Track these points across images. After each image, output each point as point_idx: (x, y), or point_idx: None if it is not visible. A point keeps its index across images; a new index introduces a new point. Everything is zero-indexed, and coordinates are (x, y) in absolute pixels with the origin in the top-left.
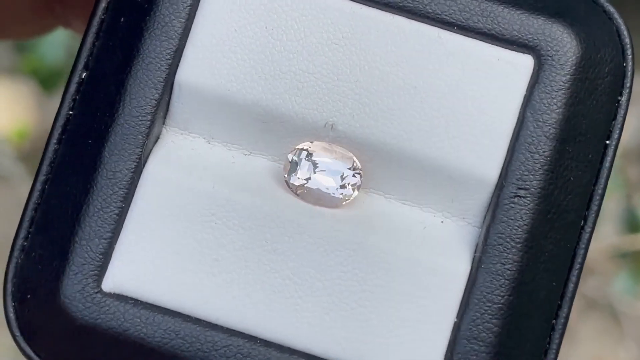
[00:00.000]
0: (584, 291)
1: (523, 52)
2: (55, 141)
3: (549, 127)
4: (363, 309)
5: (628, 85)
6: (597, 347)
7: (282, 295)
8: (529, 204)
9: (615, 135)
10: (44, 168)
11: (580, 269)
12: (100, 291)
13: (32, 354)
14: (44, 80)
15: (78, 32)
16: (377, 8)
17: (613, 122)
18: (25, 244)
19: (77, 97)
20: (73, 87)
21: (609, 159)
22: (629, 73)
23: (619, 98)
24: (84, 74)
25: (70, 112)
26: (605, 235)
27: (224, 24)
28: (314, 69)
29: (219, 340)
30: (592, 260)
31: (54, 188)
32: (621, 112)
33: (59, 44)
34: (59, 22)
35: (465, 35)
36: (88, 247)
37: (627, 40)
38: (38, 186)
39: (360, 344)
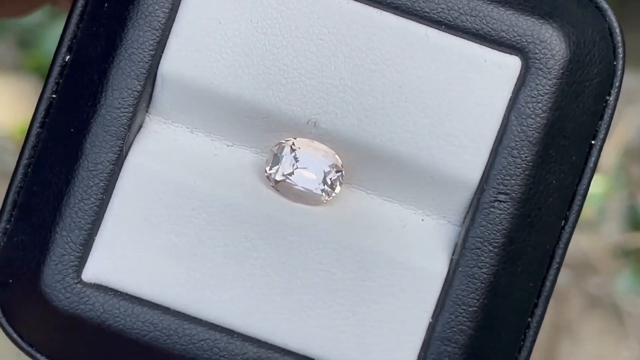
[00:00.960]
0: (586, 290)
1: (511, 54)
2: (38, 124)
3: (533, 131)
4: (340, 307)
5: (617, 85)
6: (599, 346)
7: (260, 292)
8: (508, 209)
9: (601, 136)
10: (27, 151)
11: (558, 269)
12: (80, 281)
13: (15, 335)
14: None
15: (64, 8)
16: (365, 3)
17: (600, 122)
18: (8, 227)
19: (60, 80)
20: (56, 70)
21: (593, 159)
22: (619, 72)
23: (607, 98)
24: (67, 57)
25: (53, 96)
26: (608, 234)
27: (208, 15)
28: (299, 65)
29: (197, 334)
30: (595, 259)
31: (37, 174)
32: (608, 111)
33: None
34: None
35: (453, 34)
36: (68, 238)
37: (618, 38)
38: (21, 169)
39: (335, 341)
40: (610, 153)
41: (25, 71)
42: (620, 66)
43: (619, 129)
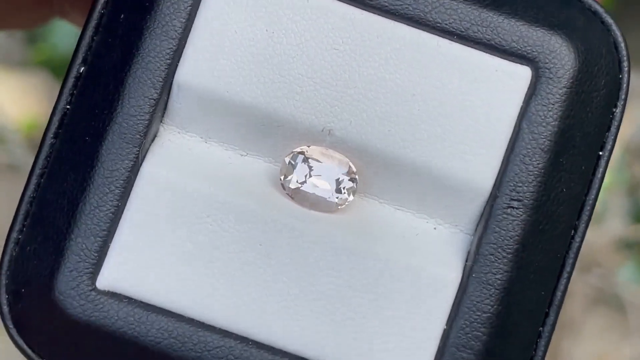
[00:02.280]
0: (589, 287)
1: (521, 64)
2: (52, 135)
3: (544, 139)
4: (354, 314)
5: (623, 97)
6: (601, 344)
7: (274, 299)
8: (521, 215)
9: (609, 147)
10: (40, 161)
11: (569, 278)
12: (95, 289)
13: (25, 347)
14: (56, 69)
15: (74, 22)
16: (378, 14)
17: (607, 134)
18: (20, 237)
19: (75, 91)
20: (71, 82)
21: (601, 170)
22: (624, 85)
23: (614, 110)
24: (82, 68)
25: (68, 107)
26: (611, 229)
27: (224, 25)
28: (313, 74)
29: (212, 341)
30: (598, 253)
31: (50, 183)
32: (615, 123)
33: (70, 33)
34: (56, 13)
35: (464, 45)
36: (83, 245)
37: (624, 52)
38: (34, 180)
39: (349, 348)
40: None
41: (33, 66)
42: (625, 79)
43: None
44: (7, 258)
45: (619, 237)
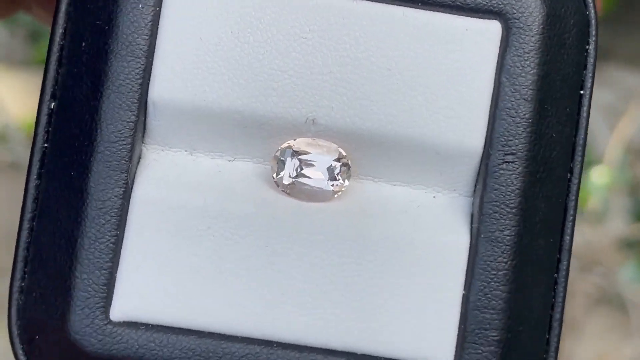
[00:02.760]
0: (590, 286)
1: (490, 19)
2: (35, 177)
3: (526, 88)
4: (372, 296)
5: (594, 33)
6: (603, 344)
7: (290, 296)
8: (517, 168)
9: (588, 84)
10: (29, 205)
11: (574, 221)
12: (110, 322)
13: None
14: None
15: (38, 18)
16: None
17: (584, 72)
18: (23, 284)
19: (50, 128)
20: (44, 119)
21: (585, 108)
22: (593, 21)
23: (587, 47)
24: (53, 103)
25: (46, 145)
26: (613, 229)
27: (188, 34)
28: (286, 67)
29: (236, 351)
30: (600, 253)
31: (43, 225)
32: (590, 60)
33: None
34: (19, 7)
35: (430, 10)
36: (90, 280)
37: None
38: (26, 224)
39: (374, 331)
40: (614, 147)
41: (35, 64)
42: (592, 15)
43: (622, 124)
44: (14, 309)
45: (620, 236)
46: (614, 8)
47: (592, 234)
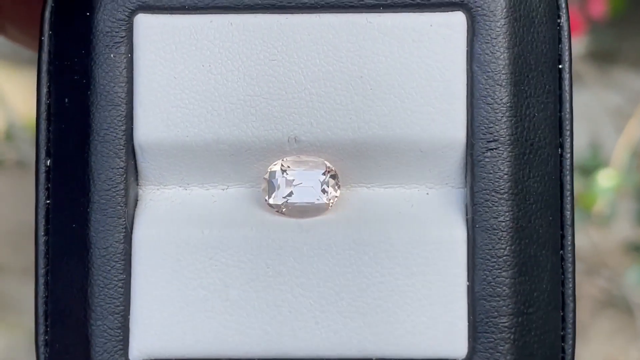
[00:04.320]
0: (596, 289)
1: (453, 10)
2: (42, 233)
3: (499, 74)
4: (379, 300)
5: (564, 6)
6: (609, 347)
7: (300, 313)
8: (502, 153)
9: (566, 58)
10: (41, 261)
11: (572, 195)
12: None
13: None
14: None
15: (12, 39)
16: (302, 12)
17: (560, 46)
18: (47, 337)
19: (49, 185)
20: (42, 177)
21: (566, 82)
22: None
23: (559, 21)
24: (49, 161)
25: (48, 202)
26: (619, 232)
27: (162, 75)
28: (261, 91)
29: None
30: (606, 255)
31: (56, 278)
32: (564, 33)
33: None
34: None
35: (393, 12)
36: (105, 326)
37: None
38: (41, 280)
39: (386, 334)
40: (621, 150)
41: None
42: None
43: (629, 127)
44: None
45: (627, 239)
46: (622, 11)
47: (598, 237)
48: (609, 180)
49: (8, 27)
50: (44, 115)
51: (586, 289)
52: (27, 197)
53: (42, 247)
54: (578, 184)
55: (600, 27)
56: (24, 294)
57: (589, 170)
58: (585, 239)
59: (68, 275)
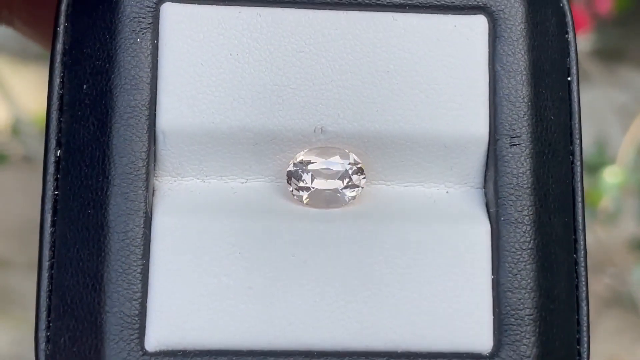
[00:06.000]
0: (602, 288)
1: (475, 14)
2: (49, 225)
3: (520, 74)
4: (404, 293)
5: (570, 23)
6: (614, 345)
7: (324, 303)
8: (525, 150)
9: (574, 71)
10: (46, 253)
11: (583, 203)
12: (146, 353)
13: None
14: None
15: (21, 32)
16: (330, 9)
17: (568, 59)
18: (49, 333)
19: (58, 175)
20: (52, 167)
21: (575, 94)
22: (568, 12)
23: (567, 36)
24: (59, 151)
25: (57, 193)
26: (625, 229)
27: (188, 61)
28: (288, 81)
29: None
30: (612, 253)
31: (64, 269)
32: (572, 48)
33: None
34: (1, 21)
35: (418, 13)
36: (122, 312)
37: None
38: (45, 273)
39: (411, 327)
40: (626, 148)
41: (48, 58)
42: (566, 5)
43: (635, 125)
44: (42, 358)
45: (633, 237)
46: (629, 9)
47: (604, 235)
48: (614, 177)
49: (16, 21)
50: (55, 105)
51: (592, 287)
52: (33, 193)
53: (47, 239)
54: (584, 182)
55: (607, 25)
56: (30, 289)
57: (595, 168)
58: (591, 236)
59: (78, 265)
